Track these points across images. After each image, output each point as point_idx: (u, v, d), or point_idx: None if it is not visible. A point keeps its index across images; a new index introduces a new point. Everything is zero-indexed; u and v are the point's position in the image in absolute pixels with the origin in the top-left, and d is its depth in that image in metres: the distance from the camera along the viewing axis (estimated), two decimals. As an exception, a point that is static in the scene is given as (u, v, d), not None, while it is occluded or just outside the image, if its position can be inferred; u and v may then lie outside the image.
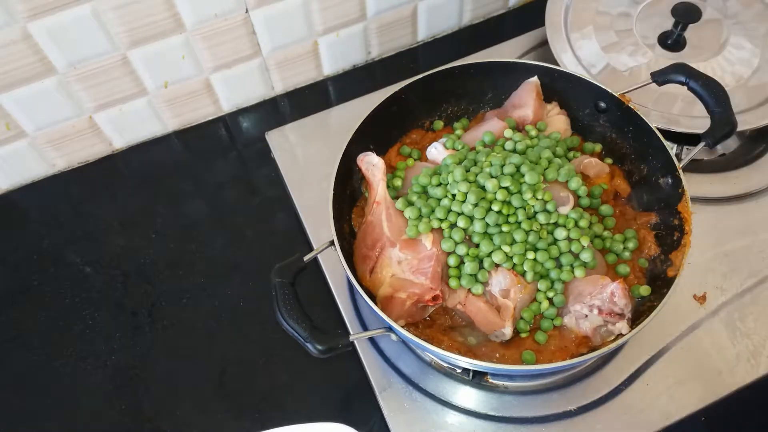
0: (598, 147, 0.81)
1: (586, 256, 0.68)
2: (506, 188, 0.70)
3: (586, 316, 0.66)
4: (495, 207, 0.68)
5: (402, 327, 0.63)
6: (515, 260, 0.68)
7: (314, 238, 0.84)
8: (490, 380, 0.73)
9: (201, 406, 0.77)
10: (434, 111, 0.85)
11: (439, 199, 0.71)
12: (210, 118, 1.01)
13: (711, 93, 0.71)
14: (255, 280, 0.85)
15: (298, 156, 0.92)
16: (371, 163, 0.74)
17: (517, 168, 0.71)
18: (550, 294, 0.68)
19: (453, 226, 0.70)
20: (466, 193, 0.70)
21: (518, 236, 0.67)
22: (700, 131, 0.72)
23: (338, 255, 0.67)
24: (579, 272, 0.68)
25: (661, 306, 0.62)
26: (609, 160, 0.80)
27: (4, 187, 0.95)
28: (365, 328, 0.78)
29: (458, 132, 0.83)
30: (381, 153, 0.80)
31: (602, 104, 0.78)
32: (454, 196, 0.71)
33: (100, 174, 0.97)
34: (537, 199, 0.69)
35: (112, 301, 0.85)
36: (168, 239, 0.90)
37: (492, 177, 0.70)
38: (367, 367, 0.75)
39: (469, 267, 0.68)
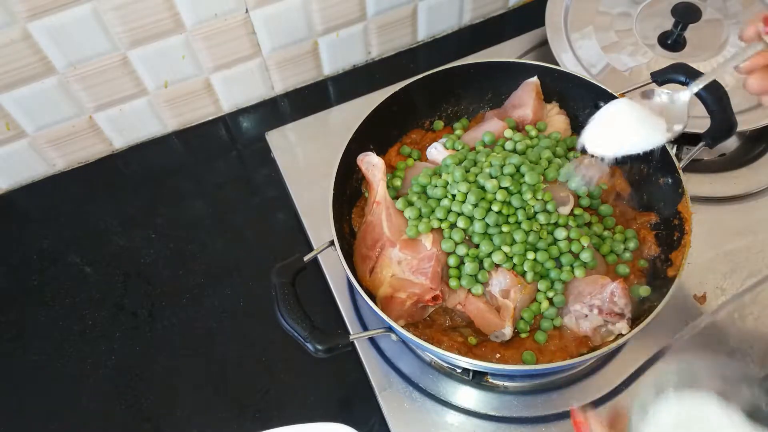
0: (598, 147, 0.81)
1: (586, 256, 0.68)
2: (506, 188, 0.70)
3: (586, 316, 0.66)
4: (495, 207, 0.68)
5: (402, 327, 0.63)
6: (515, 260, 0.68)
7: (314, 238, 0.84)
8: (490, 380, 0.73)
9: (201, 406, 0.77)
10: (434, 111, 0.85)
11: (439, 199, 0.71)
12: (210, 118, 1.01)
13: (711, 93, 0.71)
14: (255, 280, 0.85)
15: (298, 156, 0.92)
16: (371, 163, 0.74)
17: (517, 168, 0.71)
18: (550, 294, 0.68)
19: (453, 226, 0.70)
20: (466, 194, 0.70)
21: (518, 236, 0.67)
22: (700, 131, 0.72)
23: (338, 255, 0.67)
24: (579, 272, 0.68)
25: (661, 306, 0.62)
26: (609, 160, 0.80)
27: (4, 187, 0.95)
28: (365, 328, 0.78)
29: (458, 132, 0.83)
30: (381, 153, 0.80)
31: (602, 104, 0.78)
32: (454, 196, 0.71)
33: (100, 174, 0.97)
34: (537, 199, 0.69)
35: (112, 301, 0.85)
36: (168, 239, 0.90)
37: (492, 177, 0.71)
38: (367, 367, 0.75)
39: (469, 267, 0.68)
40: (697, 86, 0.57)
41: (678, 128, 0.56)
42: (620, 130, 0.59)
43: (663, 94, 0.57)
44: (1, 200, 0.95)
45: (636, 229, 0.74)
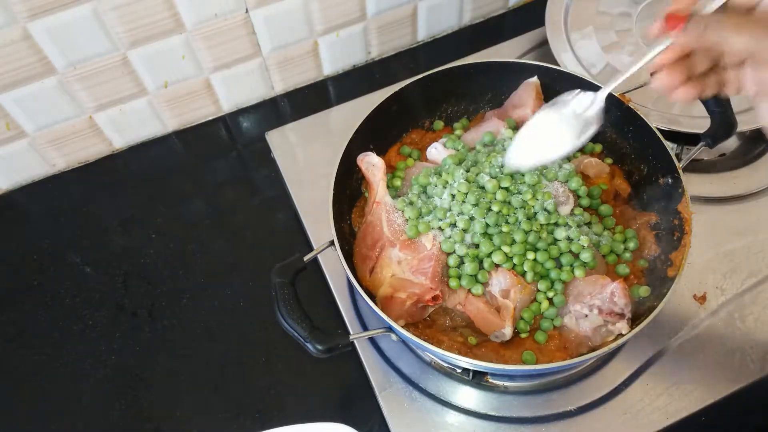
0: (598, 147, 0.81)
1: (586, 256, 0.68)
2: (506, 188, 0.70)
3: (586, 316, 0.66)
4: (495, 207, 0.68)
5: (402, 327, 0.63)
6: (515, 260, 0.68)
7: (314, 238, 0.84)
8: (490, 380, 0.73)
9: (201, 406, 0.77)
10: (434, 111, 0.85)
11: (439, 199, 0.71)
12: (210, 118, 1.01)
13: (711, 93, 0.71)
14: (255, 280, 0.85)
15: (298, 156, 0.92)
16: (371, 163, 0.74)
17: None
18: (550, 294, 0.68)
19: (453, 226, 0.70)
20: (466, 193, 0.70)
21: (518, 236, 0.67)
22: (700, 131, 0.72)
23: (338, 255, 0.67)
24: (579, 272, 0.68)
25: (661, 306, 0.62)
26: (609, 160, 0.80)
27: (4, 187, 0.95)
28: (365, 328, 0.78)
29: (458, 132, 0.83)
30: (381, 153, 0.80)
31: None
32: (453, 196, 0.71)
33: (100, 174, 0.97)
34: (537, 199, 0.69)
35: (112, 301, 0.85)
36: (168, 239, 0.90)
37: (492, 177, 0.71)
38: (367, 367, 0.75)
39: (469, 267, 0.68)
40: (605, 91, 0.58)
41: (591, 131, 0.59)
42: (537, 142, 0.62)
43: (572, 102, 0.60)
44: (1, 200, 0.95)
45: (636, 229, 0.74)
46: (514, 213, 0.69)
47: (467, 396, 0.73)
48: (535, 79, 0.80)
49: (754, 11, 0.47)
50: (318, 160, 0.90)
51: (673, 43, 0.48)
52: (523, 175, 0.70)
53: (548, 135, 0.61)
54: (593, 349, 0.66)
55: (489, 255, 0.68)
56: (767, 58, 0.43)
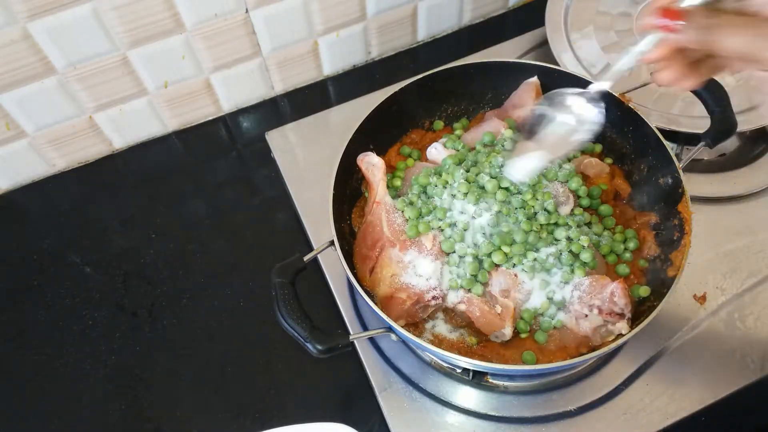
0: (598, 147, 0.81)
1: (586, 256, 0.68)
2: (506, 188, 0.70)
3: (586, 316, 0.66)
4: (495, 207, 0.68)
5: (402, 327, 0.63)
6: (515, 260, 0.68)
7: (314, 238, 0.84)
8: (490, 380, 0.73)
9: (201, 406, 0.77)
10: (434, 111, 0.85)
11: (439, 199, 0.71)
12: (210, 118, 1.01)
13: (711, 93, 0.71)
14: (255, 280, 0.85)
15: (298, 156, 0.92)
16: (371, 163, 0.74)
17: (517, 168, 0.70)
18: (550, 294, 0.68)
19: (453, 226, 0.70)
20: (466, 194, 0.70)
21: (518, 236, 0.67)
22: (700, 131, 0.72)
23: (338, 255, 0.67)
24: (579, 272, 0.68)
25: (661, 306, 0.62)
26: (609, 160, 0.80)
27: (4, 187, 0.95)
28: (365, 328, 0.78)
29: (458, 132, 0.83)
30: (381, 153, 0.80)
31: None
32: (454, 196, 0.71)
33: (100, 174, 0.97)
34: (537, 199, 0.69)
35: (112, 301, 0.85)
36: (168, 239, 0.90)
37: (492, 177, 0.71)
38: (367, 367, 0.75)
39: (469, 267, 0.68)
40: (603, 85, 0.58)
41: (591, 127, 0.60)
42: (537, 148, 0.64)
43: (569, 99, 0.60)
44: (1, 200, 0.95)
45: (636, 229, 0.74)
46: (514, 213, 0.69)
47: (467, 396, 0.73)
48: (535, 79, 0.80)
49: (745, 7, 0.47)
50: (318, 160, 0.90)
51: (667, 39, 0.48)
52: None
53: (548, 136, 0.61)
54: (593, 349, 0.66)
55: (489, 255, 0.68)
56: (759, 58, 0.44)
